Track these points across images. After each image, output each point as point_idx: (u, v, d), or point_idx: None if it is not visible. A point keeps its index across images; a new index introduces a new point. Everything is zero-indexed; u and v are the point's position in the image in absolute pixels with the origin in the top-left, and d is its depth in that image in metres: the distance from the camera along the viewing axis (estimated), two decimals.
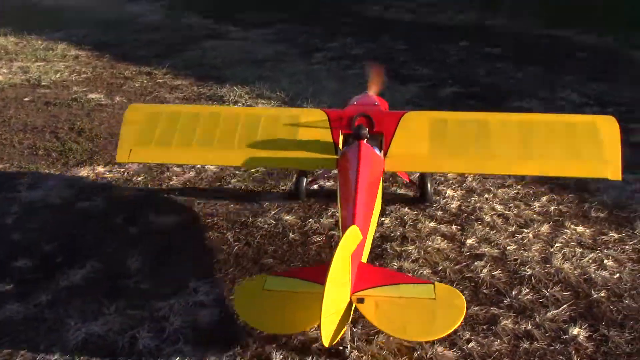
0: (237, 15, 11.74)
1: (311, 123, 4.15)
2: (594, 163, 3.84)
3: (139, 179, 5.38)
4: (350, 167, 3.61)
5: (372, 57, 8.94)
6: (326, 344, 2.72)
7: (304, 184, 4.90)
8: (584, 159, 3.85)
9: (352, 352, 3.18)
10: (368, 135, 3.85)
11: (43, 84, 8.09)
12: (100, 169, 5.59)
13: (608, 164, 3.82)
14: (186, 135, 4.15)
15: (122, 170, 5.53)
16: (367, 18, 11.45)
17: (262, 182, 5.28)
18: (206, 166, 5.54)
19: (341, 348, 3.12)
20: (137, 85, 8.00)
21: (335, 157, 3.96)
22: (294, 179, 5.04)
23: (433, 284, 3.06)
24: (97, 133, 6.44)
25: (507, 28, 10.48)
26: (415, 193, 4.92)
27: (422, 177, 4.84)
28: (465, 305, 2.96)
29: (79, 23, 11.59)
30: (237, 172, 5.45)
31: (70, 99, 7.49)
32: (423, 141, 3.98)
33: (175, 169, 5.52)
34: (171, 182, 5.31)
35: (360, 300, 2.89)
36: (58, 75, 8.39)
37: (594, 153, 3.85)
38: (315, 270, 3.15)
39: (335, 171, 4.15)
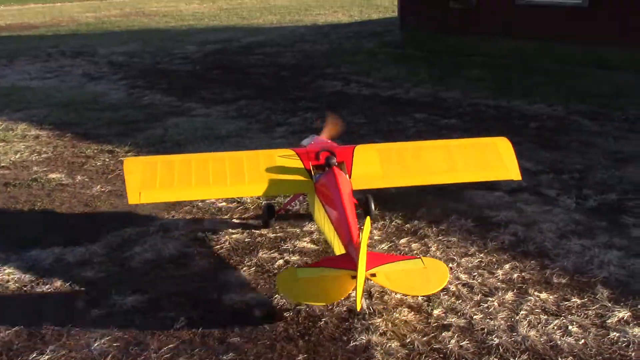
0: (200, 93, 11.92)
1: (285, 158, 5.09)
2: (500, 170, 5.20)
3: (100, 259, 5.29)
4: (332, 186, 4.62)
5: None
6: (359, 308, 3.85)
7: (273, 216, 5.79)
8: (492, 168, 5.20)
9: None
10: (336, 163, 4.93)
11: (2, 164, 7.99)
12: (57, 250, 5.49)
13: (509, 170, 5.18)
14: (184, 178, 4.86)
15: (82, 250, 5.44)
16: (327, 94, 11.74)
17: (228, 257, 5.26)
18: (169, 244, 5.50)
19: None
20: (98, 163, 7.96)
21: (312, 181, 4.95)
22: (264, 211, 5.80)
23: (420, 258, 4.24)
24: (59, 212, 6.35)
25: (460, 100, 10.87)
26: (361, 211, 5.65)
27: (367, 198, 5.94)
28: (447, 269, 4.20)
29: (39, 103, 11.56)
30: (203, 249, 5.43)
31: (30, 179, 7.40)
32: (376, 165, 5.12)
33: (136, 248, 5.45)
34: (131, 263, 5.23)
35: (373, 275, 3.92)
36: (18, 156, 8.31)
37: (498, 163, 5.20)
38: (339, 259, 4.21)
39: (302, 197, 5.90)
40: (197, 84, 12.89)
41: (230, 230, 5.84)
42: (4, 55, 17.96)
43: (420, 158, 5.22)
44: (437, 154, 5.27)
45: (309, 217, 5.83)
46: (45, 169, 7.82)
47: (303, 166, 5.04)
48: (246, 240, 5.63)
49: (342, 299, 4.05)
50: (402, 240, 5.50)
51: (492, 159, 5.22)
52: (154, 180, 4.79)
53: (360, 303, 3.86)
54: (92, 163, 7.98)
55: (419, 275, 4.02)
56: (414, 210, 6.12)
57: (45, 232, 5.87)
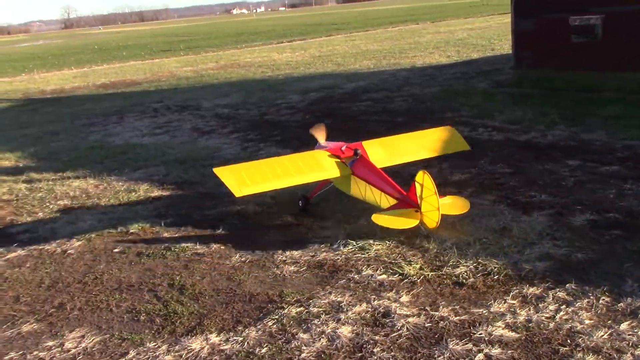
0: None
1: (327, 157, 7.11)
2: (455, 145, 7.90)
3: (262, 350, 4.55)
4: (368, 165, 6.91)
5: (477, 182, 8.26)
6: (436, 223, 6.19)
7: (307, 202, 7.64)
8: (450, 144, 7.88)
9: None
10: (360, 153, 7.07)
11: (131, 230, 7.56)
12: (214, 338, 4.80)
13: (459, 144, 7.96)
14: (264, 175, 6.65)
15: (239, 339, 4.73)
16: None
17: (412, 350, 4.38)
18: (338, 330, 4.70)
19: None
20: (230, 228, 7.38)
21: (348, 167, 7.02)
22: (301, 200, 7.62)
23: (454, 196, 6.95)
24: (200, 290, 5.73)
25: (610, 143, 9.68)
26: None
27: None
28: (468, 201, 6.68)
29: (156, 161, 11.34)
30: (377, 336, 4.59)
31: (162, 247, 6.89)
32: (381, 152, 7.39)
33: (302, 335, 4.68)
34: (302, 355, 4.45)
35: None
36: (146, 221, 7.87)
37: (453, 141, 7.93)
38: (402, 204, 6.41)
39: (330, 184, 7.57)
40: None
41: (402, 311, 4.99)
42: (113, 112, 18.30)
43: (404, 145, 7.73)
44: (414, 140, 7.84)
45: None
46: (175, 235, 7.30)
47: (340, 160, 7.07)
48: (426, 325, 4.75)
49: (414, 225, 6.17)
50: None
51: (448, 139, 7.92)
52: (244, 179, 6.48)
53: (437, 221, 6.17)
54: (223, 228, 7.39)
55: (456, 202, 6.60)
56: None
57: (195, 316, 5.23)
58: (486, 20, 47.04)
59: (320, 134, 7.84)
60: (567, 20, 14.85)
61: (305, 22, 75.70)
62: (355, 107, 15.14)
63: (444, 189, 8.14)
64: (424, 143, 7.75)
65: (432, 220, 6.14)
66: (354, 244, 6.46)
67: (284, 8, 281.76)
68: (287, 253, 6.42)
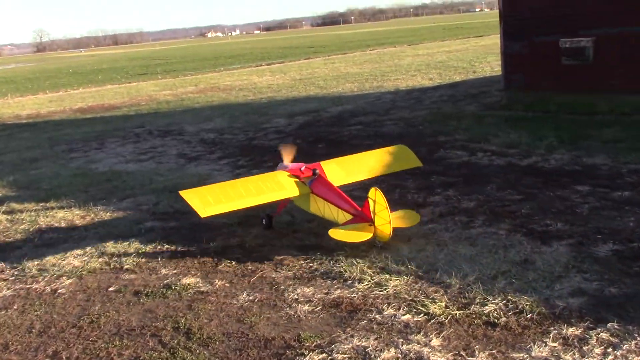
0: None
1: (286, 177, 7.51)
2: (408, 162, 8.32)
3: None
4: (326, 184, 7.30)
5: (487, 210, 7.93)
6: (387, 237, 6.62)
7: (272, 219, 7.96)
8: (403, 161, 8.30)
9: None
10: (318, 172, 7.41)
11: (126, 267, 7.05)
12: None
13: (411, 161, 8.33)
14: (227, 196, 7.00)
15: None
16: (456, 166, 10.57)
17: None
18: None
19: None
20: (234, 262, 6.92)
21: (307, 186, 7.40)
22: (265, 219, 7.95)
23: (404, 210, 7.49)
24: (209, 334, 5.26)
25: (615, 167, 9.48)
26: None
27: None
28: (419, 215, 7.25)
29: (144, 189, 10.82)
30: None
31: (162, 285, 6.41)
32: (338, 171, 7.75)
33: None
34: None
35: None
36: (141, 256, 7.37)
37: (406, 159, 8.32)
38: (357, 219, 6.82)
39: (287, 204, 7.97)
40: (306, 160, 11.89)
41: (436, 356, 4.59)
42: (94, 137, 17.74)
43: (359, 163, 8.11)
44: (370, 159, 8.25)
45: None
46: (174, 271, 6.82)
47: (298, 180, 7.46)
48: None
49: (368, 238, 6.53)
50: None
51: (402, 157, 8.34)
52: (209, 200, 6.82)
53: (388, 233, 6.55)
54: (225, 263, 6.94)
55: (406, 217, 7.03)
56: None
57: None
58: (462, 42, 47.51)
59: (287, 154, 8.21)
60: (557, 43, 14.78)
61: (282, 45, 75.74)
62: (345, 131, 14.83)
63: (454, 217, 7.82)
64: (378, 161, 8.18)
65: (384, 233, 6.56)
66: (369, 279, 6.06)
67: (258, 31, 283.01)
68: (299, 290, 5.99)
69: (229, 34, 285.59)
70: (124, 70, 51.77)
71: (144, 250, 7.57)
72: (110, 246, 7.79)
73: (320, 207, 7.32)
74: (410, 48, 47.99)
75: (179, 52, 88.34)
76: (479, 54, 33.93)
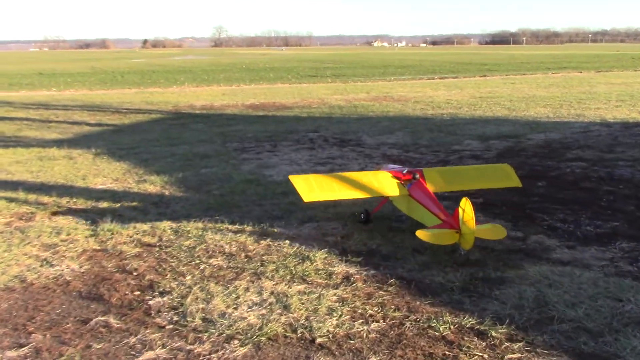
0: (545, 220, 8.40)
1: (388, 177, 7.97)
2: (509, 181, 8.33)
3: None
4: (421, 188, 7.67)
5: None
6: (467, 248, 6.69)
7: (370, 215, 8.28)
8: (504, 179, 8.38)
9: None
10: (418, 177, 7.84)
11: (319, 340, 5.04)
12: None
13: (512, 180, 8.34)
14: (334, 186, 7.55)
15: None
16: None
17: None
18: None
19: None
20: None
21: (405, 188, 7.81)
22: (363, 214, 8.24)
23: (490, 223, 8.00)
24: None
25: None
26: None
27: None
28: (505, 229, 7.01)
29: (328, 212, 8.93)
30: None
31: None
32: (439, 179, 8.12)
33: None
34: None
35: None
36: (340, 316, 5.35)
37: (507, 177, 8.38)
38: (445, 225, 6.91)
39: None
40: (531, 205, 9.33)
41: None
42: (266, 138, 16.45)
43: (461, 174, 8.63)
44: (469, 171, 8.84)
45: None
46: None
47: (400, 182, 7.87)
48: None
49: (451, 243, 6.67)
50: None
51: (501, 175, 8.43)
52: (313, 188, 7.38)
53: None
54: None
55: (492, 230, 6.91)
56: None
57: None
58: None
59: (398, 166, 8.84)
60: None
61: (451, 60, 72.61)
62: (566, 168, 12.01)
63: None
64: (479, 175, 8.56)
65: (467, 242, 6.57)
66: None
67: (424, 44, 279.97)
68: None
69: (395, 44, 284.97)
70: (294, 71, 51.82)
71: (344, 309, 5.52)
72: (295, 299, 5.83)
73: (413, 209, 7.67)
74: (600, 75, 43.02)
75: (347, 57, 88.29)
76: None
